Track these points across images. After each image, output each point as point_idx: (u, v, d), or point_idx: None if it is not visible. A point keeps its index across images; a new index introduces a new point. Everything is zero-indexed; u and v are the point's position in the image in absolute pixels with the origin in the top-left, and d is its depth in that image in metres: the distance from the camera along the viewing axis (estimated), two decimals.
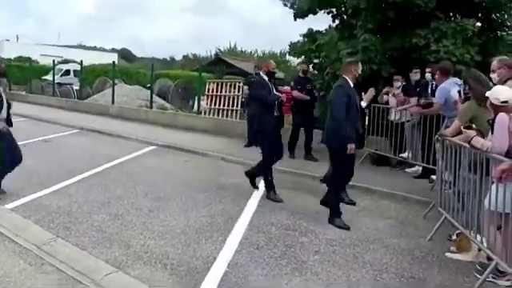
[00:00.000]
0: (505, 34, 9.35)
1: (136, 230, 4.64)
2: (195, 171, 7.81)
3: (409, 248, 4.63)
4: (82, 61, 18.43)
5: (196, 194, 6.21)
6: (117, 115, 14.37)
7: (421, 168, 7.71)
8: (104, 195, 5.88)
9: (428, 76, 7.73)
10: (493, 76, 5.29)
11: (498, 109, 3.81)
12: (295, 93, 8.99)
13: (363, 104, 5.76)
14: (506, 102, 3.75)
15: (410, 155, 7.82)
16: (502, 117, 3.75)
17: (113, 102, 15.52)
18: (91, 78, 21.90)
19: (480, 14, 9.17)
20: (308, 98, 8.99)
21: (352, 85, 5.32)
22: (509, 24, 9.24)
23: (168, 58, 54.44)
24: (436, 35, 8.20)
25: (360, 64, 5.58)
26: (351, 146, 5.09)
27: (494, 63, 5.42)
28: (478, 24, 8.97)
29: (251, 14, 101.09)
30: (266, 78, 6.24)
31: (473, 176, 4.22)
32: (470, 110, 4.82)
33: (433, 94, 7.34)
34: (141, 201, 5.72)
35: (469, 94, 5.25)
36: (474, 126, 4.32)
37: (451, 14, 9.18)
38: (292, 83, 9.30)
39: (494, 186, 3.74)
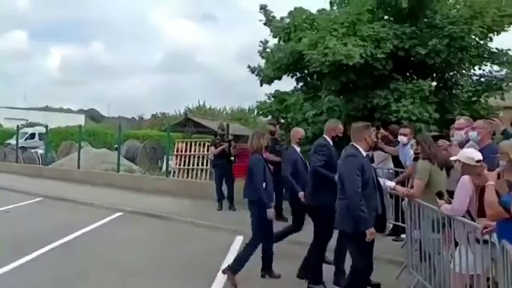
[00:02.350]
0: (459, 91, 9.90)
1: None
2: (164, 239, 7.58)
3: None
4: (47, 125, 18.16)
5: (165, 264, 5.97)
6: (83, 180, 14.01)
7: (391, 225, 7.73)
8: (67, 271, 5.59)
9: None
10: (459, 133, 5.57)
11: (469, 169, 3.93)
12: (266, 154, 8.96)
13: (391, 184, 5.23)
14: (479, 161, 3.87)
15: None
16: (464, 179, 3.88)
17: (78, 166, 15.18)
18: (57, 141, 21.50)
19: (434, 74, 9.72)
20: (279, 159, 8.99)
21: (365, 154, 4.42)
22: (462, 83, 9.83)
23: (136, 118, 54.33)
24: (395, 95, 8.59)
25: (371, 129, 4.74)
26: (370, 231, 4.03)
27: (462, 121, 5.74)
28: (434, 83, 9.49)
29: (219, 69, 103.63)
30: (331, 143, 5.39)
31: (436, 235, 4.30)
32: (427, 170, 4.99)
33: None
34: (107, 276, 5.45)
35: (419, 154, 5.42)
36: (444, 193, 4.42)
37: (408, 74, 9.70)
38: None
39: (457, 249, 3.80)
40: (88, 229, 8.01)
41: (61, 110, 53.97)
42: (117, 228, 8.32)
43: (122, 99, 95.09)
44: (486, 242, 3.58)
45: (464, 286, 3.83)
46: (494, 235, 3.46)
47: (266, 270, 5.46)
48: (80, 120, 36.44)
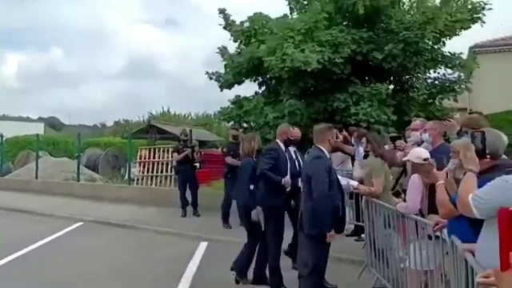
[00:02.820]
0: (415, 94, 10.24)
1: None
2: (126, 248, 7.43)
3: None
4: (2, 134, 17.48)
5: (126, 273, 5.85)
6: (41, 191, 13.53)
7: (352, 226, 7.87)
8: (24, 283, 5.43)
9: None
10: (415, 133, 5.76)
11: (417, 167, 4.08)
12: (229, 159, 8.86)
13: (354, 183, 5.24)
14: (426, 159, 4.03)
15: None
16: (414, 178, 4.03)
17: (36, 176, 14.68)
18: (14, 151, 20.74)
19: (392, 78, 10.02)
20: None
21: (328, 156, 4.48)
22: (417, 86, 10.16)
23: (98, 125, 53.10)
24: (354, 99, 8.78)
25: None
26: (331, 234, 4.13)
27: (418, 123, 5.93)
28: (391, 87, 9.78)
29: (183, 76, 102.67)
30: (283, 147, 5.39)
31: (388, 231, 4.45)
32: (380, 166, 5.20)
33: None
34: (64, 286, 5.31)
35: (369, 152, 5.72)
36: (400, 191, 4.58)
37: (366, 78, 9.95)
38: (225, 149, 9.27)
39: (411, 246, 3.92)
40: (46, 240, 7.76)
41: (19, 119, 51.99)
42: (77, 238, 8.09)
43: (84, 107, 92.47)
44: (437, 237, 3.72)
45: (419, 282, 3.95)
46: (445, 231, 3.59)
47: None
48: (39, 129, 35.14)
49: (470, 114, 6.23)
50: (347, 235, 7.85)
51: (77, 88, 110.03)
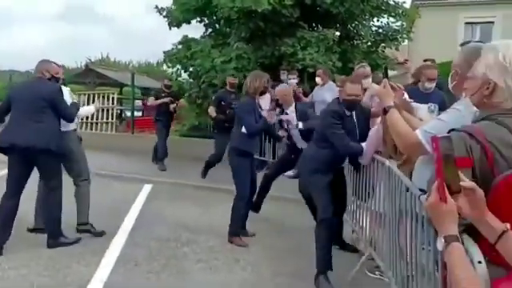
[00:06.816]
0: (360, 42, 10.40)
1: None
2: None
3: None
4: None
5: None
6: None
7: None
8: None
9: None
10: (368, 80, 5.72)
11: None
12: (211, 110, 7.79)
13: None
14: None
15: None
16: (375, 128, 3.92)
17: None
18: None
19: (338, 25, 10.07)
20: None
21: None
22: (362, 33, 10.31)
23: (32, 71, 49.50)
24: (302, 44, 8.77)
25: None
26: None
27: (368, 69, 5.90)
28: (337, 33, 9.84)
29: (125, 23, 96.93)
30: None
31: None
32: None
33: None
34: None
35: None
36: None
37: (314, 24, 9.93)
38: (213, 97, 8.51)
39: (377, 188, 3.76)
40: None
41: None
42: None
43: (16, 51, 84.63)
44: None
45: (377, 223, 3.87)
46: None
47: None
48: None
49: (424, 61, 6.30)
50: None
51: (9, 29, 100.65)
